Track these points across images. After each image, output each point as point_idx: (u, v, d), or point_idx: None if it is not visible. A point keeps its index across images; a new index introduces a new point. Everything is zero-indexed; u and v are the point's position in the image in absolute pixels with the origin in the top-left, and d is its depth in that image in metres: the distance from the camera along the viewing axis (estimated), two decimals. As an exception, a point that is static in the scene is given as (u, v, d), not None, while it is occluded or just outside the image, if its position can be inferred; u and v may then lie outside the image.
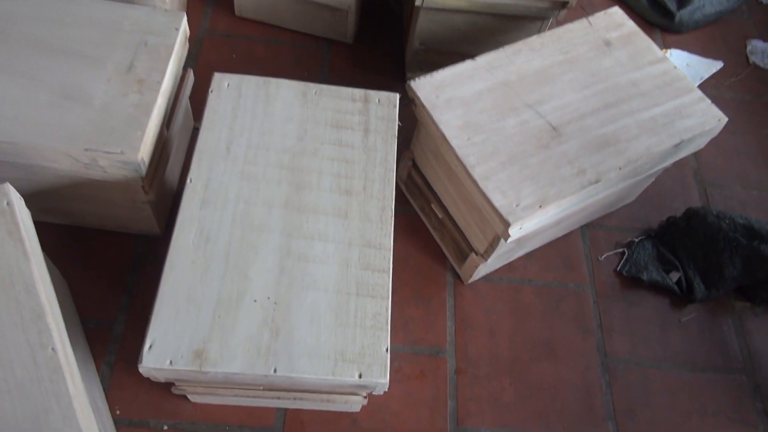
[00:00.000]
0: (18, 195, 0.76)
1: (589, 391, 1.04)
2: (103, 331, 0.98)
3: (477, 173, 0.90)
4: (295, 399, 0.85)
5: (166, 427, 0.92)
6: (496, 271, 1.14)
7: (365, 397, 0.84)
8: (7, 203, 0.74)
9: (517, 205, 0.88)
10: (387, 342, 0.75)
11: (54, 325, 0.70)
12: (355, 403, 0.90)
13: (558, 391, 1.03)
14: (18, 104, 0.83)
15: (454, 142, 0.92)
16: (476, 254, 1.03)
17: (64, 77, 0.86)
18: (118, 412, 0.92)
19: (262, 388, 0.79)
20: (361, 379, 0.72)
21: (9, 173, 0.87)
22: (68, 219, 1.03)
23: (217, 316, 0.73)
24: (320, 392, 0.82)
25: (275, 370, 0.71)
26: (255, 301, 0.75)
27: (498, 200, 0.88)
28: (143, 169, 0.86)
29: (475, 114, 0.95)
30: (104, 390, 0.94)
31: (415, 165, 1.13)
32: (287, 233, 0.81)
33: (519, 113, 0.97)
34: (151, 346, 0.71)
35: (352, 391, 0.76)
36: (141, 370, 0.70)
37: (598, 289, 1.15)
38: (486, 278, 1.13)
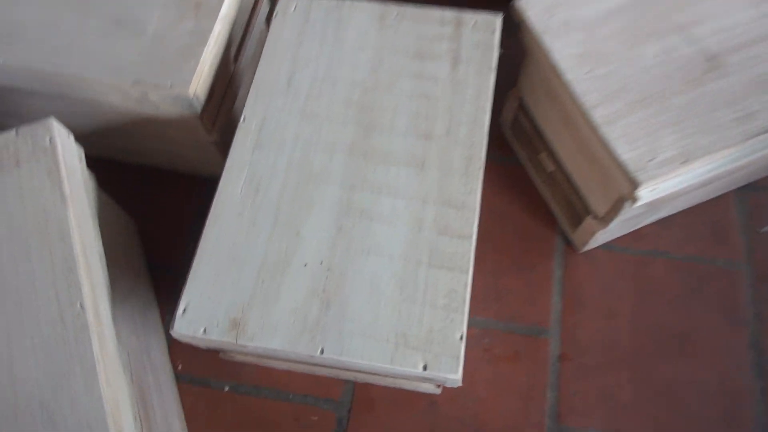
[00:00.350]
0: (65, 131, 0.69)
1: (734, 400, 0.82)
2: (170, 279, 0.92)
3: (598, 116, 0.69)
4: (359, 372, 0.73)
5: (227, 388, 0.85)
6: (620, 238, 0.92)
7: (438, 386, 0.70)
8: (50, 140, 0.67)
9: (650, 160, 0.66)
10: (463, 327, 0.60)
11: (86, 279, 0.62)
12: (429, 387, 0.76)
13: (691, 396, 0.82)
14: (67, 33, 0.75)
15: (568, 76, 0.71)
16: (594, 218, 0.83)
17: (117, 1, 0.77)
18: (179, 367, 0.87)
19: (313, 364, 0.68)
20: (426, 372, 0.58)
21: (67, 108, 0.81)
22: (138, 158, 0.97)
23: (260, 280, 0.62)
24: (381, 375, 0.70)
25: (322, 351, 0.59)
26: (305, 265, 0.63)
27: (625, 152, 0.67)
28: (198, 106, 0.76)
29: (600, 40, 0.74)
30: (167, 342, 0.88)
31: (522, 106, 0.93)
32: (349, 185, 0.67)
33: (661, 38, 0.73)
34: (185, 310, 0.62)
35: (417, 380, 0.62)
36: (174, 335, 0.61)
37: (756, 270, 0.89)
38: (606, 246, 0.92)
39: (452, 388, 0.84)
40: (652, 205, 0.79)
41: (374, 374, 0.69)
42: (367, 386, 0.84)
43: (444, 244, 0.63)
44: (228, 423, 0.83)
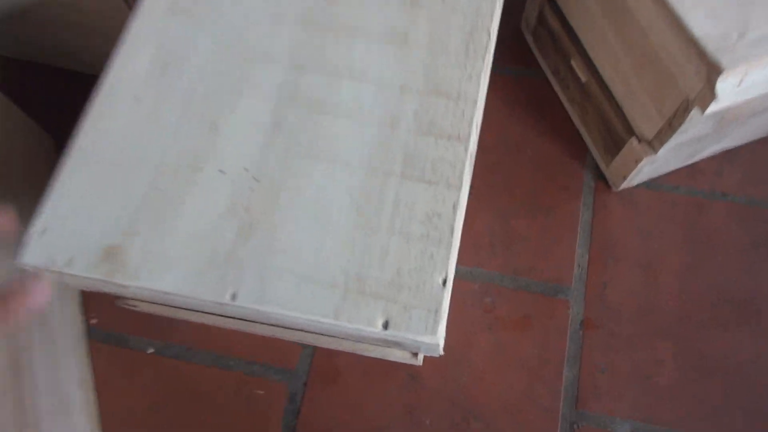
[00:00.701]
0: None
1: (813, 386, 0.62)
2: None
3: (663, -25, 0.47)
4: (303, 333, 0.53)
5: (151, 350, 0.66)
6: (669, 175, 0.71)
7: (415, 355, 0.50)
8: None
9: (740, 38, 0.45)
10: (448, 268, 0.40)
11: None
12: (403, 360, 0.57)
13: (752, 377, 0.62)
14: None
15: None
16: (639, 141, 0.62)
17: None
18: (94, 321, 0.68)
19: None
20: (388, 331, 0.38)
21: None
22: (52, 56, 0.76)
23: (153, 192, 0.42)
24: (327, 335, 0.50)
25: (234, 296, 0.39)
26: (221, 172, 0.43)
27: (702, 27, 0.46)
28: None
29: None
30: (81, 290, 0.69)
31: (553, 2, 0.71)
32: (297, 65, 0.46)
33: None
34: (43, 231, 0.42)
35: (380, 343, 0.42)
36: (21, 265, 0.42)
37: None
38: (649, 184, 0.71)
39: (439, 359, 0.64)
40: (724, 120, 0.58)
41: (320, 335, 0.49)
42: (330, 354, 0.65)
43: (427, 148, 0.43)
44: (148, 393, 0.64)
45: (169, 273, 0.40)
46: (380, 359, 0.64)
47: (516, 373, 0.64)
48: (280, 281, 0.39)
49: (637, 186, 0.71)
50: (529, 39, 0.78)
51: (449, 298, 0.39)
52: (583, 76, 0.67)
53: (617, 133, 0.66)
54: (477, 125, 0.44)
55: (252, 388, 0.64)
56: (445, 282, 0.39)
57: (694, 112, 0.52)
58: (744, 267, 0.67)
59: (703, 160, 0.71)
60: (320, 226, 0.41)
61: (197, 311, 0.48)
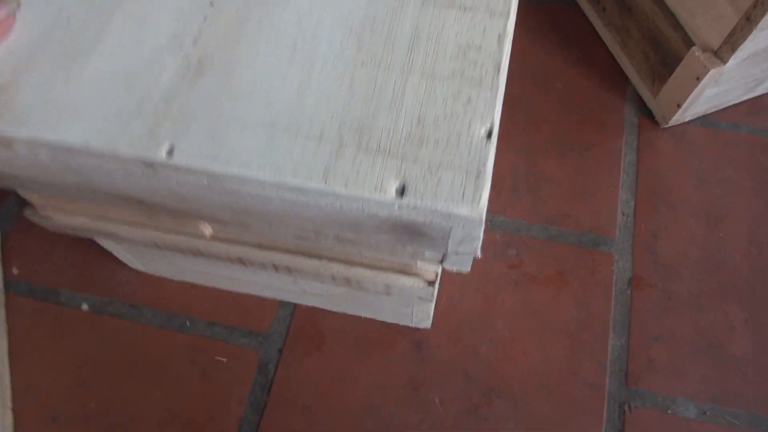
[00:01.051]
0: None
1: None
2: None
3: None
4: (291, 273, 0.39)
5: (85, 306, 0.52)
6: (727, 110, 0.59)
7: (430, 283, 0.36)
8: None
9: None
10: (493, 116, 0.27)
11: None
12: (412, 297, 0.43)
13: None
14: None
15: None
16: (704, 50, 0.50)
17: None
18: (15, 272, 0.54)
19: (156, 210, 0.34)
20: (404, 199, 0.25)
21: None
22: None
23: (62, 13, 0.30)
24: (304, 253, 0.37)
25: (170, 153, 0.26)
26: None
27: None
28: None
29: None
30: (2, 233, 0.55)
31: None
32: None
33: None
34: None
35: (388, 240, 0.29)
36: None
37: None
38: (704, 121, 0.59)
39: (452, 323, 0.51)
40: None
41: (296, 239, 0.36)
42: (314, 314, 0.51)
43: None
44: (78, 360, 0.50)
45: (76, 122, 0.26)
46: (369, 321, 0.50)
47: (551, 340, 0.50)
48: (243, 132, 0.26)
49: (690, 122, 0.59)
50: (556, -40, 0.67)
51: (493, 160, 0.26)
52: (627, -16, 0.56)
53: (671, 51, 0.54)
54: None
55: (212, 354, 0.50)
56: (489, 134, 0.26)
57: (791, -17, 0.40)
58: (826, 217, 0.54)
59: (766, 95, 0.60)
60: (302, 61, 0.28)
61: (126, 208, 0.34)
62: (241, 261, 0.38)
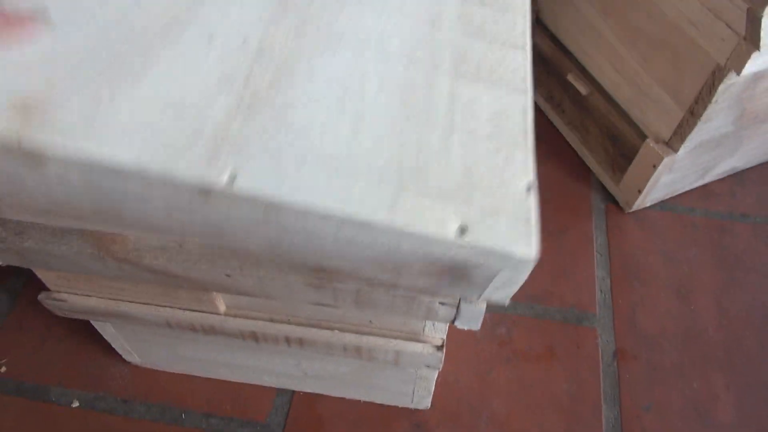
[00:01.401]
0: None
1: None
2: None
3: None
4: (296, 343, 0.40)
5: (76, 404, 0.51)
6: (681, 197, 0.66)
7: (438, 348, 0.38)
8: None
9: (776, -29, 0.42)
10: (530, 172, 0.30)
11: None
12: (420, 365, 0.44)
13: (829, 410, 0.52)
14: None
15: None
16: (657, 141, 0.57)
17: None
18: (2, 369, 0.52)
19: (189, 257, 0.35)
20: (466, 238, 0.27)
21: None
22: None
23: (106, 48, 0.32)
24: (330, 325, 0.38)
25: (233, 179, 0.27)
26: (212, 38, 0.33)
27: (733, -38, 0.42)
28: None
29: None
30: (-9, 330, 0.55)
31: (540, 22, 0.69)
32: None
33: None
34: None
35: (427, 289, 0.31)
36: None
37: None
38: (663, 206, 0.65)
39: (450, 405, 0.51)
40: (744, 117, 0.54)
41: (317, 326, 0.37)
42: (312, 400, 0.51)
43: (480, 50, 0.35)
44: (68, 458, 0.48)
45: (123, 141, 0.27)
46: (368, 404, 0.51)
47: (547, 415, 0.51)
48: (302, 168, 0.27)
49: (651, 207, 0.64)
50: (517, 72, 0.75)
51: (537, 211, 0.29)
52: (583, 88, 0.64)
53: (627, 143, 0.61)
54: (530, 39, 0.37)
55: (209, 445, 0.49)
56: (529, 189, 0.29)
57: (727, 83, 0.47)
58: (783, 288, 0.59)
59: (714, 182, 0.66)
60: (352, 110, 0.30)
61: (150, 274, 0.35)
62: (254, 336, 0.39)
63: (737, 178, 0.67)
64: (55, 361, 0.53)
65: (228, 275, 0.32)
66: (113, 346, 0.49)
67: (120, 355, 0.51)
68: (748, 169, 0.68)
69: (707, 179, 0.66)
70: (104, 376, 0.52)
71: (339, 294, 0.33)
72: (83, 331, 0.54)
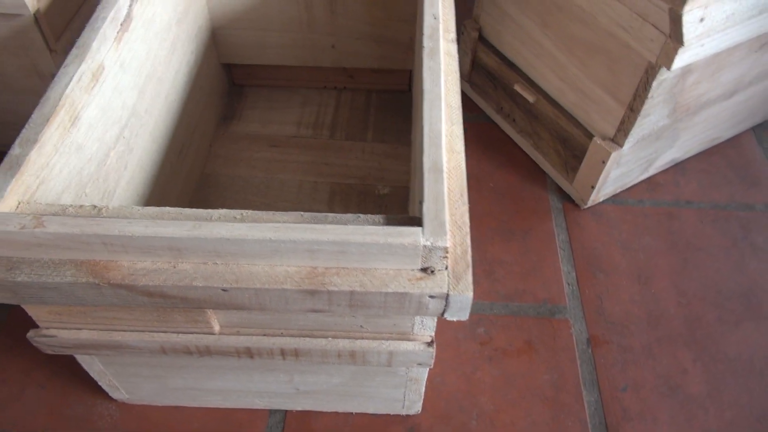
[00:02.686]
0: None
1: None
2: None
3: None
4: (287, 358, 0.41)
5: (64, 448, 0.50)
6: (629, 190, 0.70)
7: (429, 344, 0.40)
8: None
9: (691, -24, 0.47)
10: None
11: None
12: (413, 364, 0.46)
13: (786, 371, 0.56)
14: None
15: None
16: (603, 138, 0.61)
17: None
18: (-18, 423, 0.51)
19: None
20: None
21: None
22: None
23: None
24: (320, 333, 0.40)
25: None
26: None
27: (654, -29, 0.47)
28: (23, -26, 0.50)
29: None
30: (-34, 384, 0.53)
31: (482, 38, 0.74)
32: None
33: None
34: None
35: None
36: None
37: (807, 211, 0.69)
38: (615, 200, 0.69)
39: (441, 406, 0.53)
40: (678, 109, 0.59)
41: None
42: (305, 418, 0.52)
43: None
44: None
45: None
46: (361, 414, 0.52)
47: (533, 406, 0.53)
48: None
49: (604, 202, 0.69)
50: (466, 88, 0.79)
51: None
52: (530, 96, 0.68)
53: (576, 144, 0.65)
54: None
55: (207, 474, 0.48)
56: None
57: (659, 79, 0.52)
58: (731, 264, 0.64)
59: (658, 175, 0.71)
60: None
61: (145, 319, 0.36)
62: (249, 352, 0.40)
63: (678, 168, 0.72)
64: (38, 408, 0.52)
65: (224, 290, 0.33)
66: (100, 383, 0.49)
67: (106, 393, 0.51)
68: (687, 159, 0.73)
69: (651, 172, 0.70)
70: (91, 417, 0.51)
71: (333, 298, 0.35)
72: (65, 372, 0.53)
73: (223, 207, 0.63)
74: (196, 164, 0.65)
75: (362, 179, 0.67)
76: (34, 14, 0.54)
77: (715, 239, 0.66)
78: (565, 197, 0.69)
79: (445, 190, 0.34)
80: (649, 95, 0.54)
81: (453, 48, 0.47)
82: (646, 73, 0.54)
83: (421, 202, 0.35)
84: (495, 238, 0.65)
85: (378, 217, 0.34)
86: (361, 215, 0.34)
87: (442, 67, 0.40)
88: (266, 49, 0.71)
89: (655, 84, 0.53)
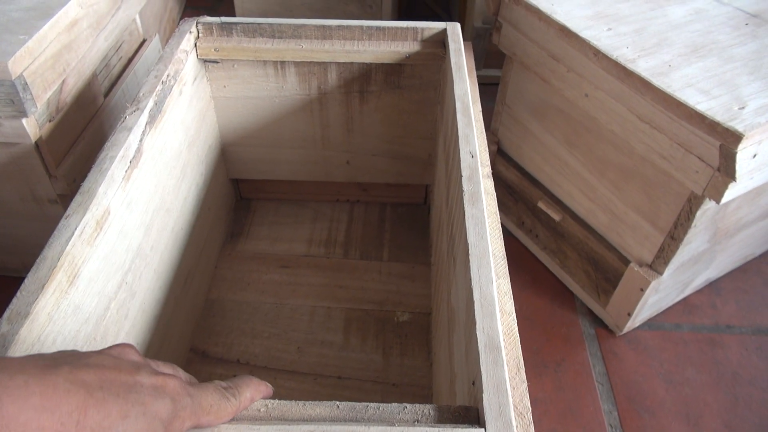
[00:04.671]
0: None
1: None
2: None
3: (643, 69, 0.48)
4: None
5: None
6: (665, 314, 0.66)
7: None
8: None
9: (741, 108, 0.44)
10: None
11: None
12: None
13: None
14: None
15: (586, 33, 0.51)
16: (640, 265, 0.57)
17: None
18: None
19: None
20: None
21: None
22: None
23: None
24: None
25: None
26: None
27: (702, 102, 0.45)
28: (30, 106, 0.47)
29: (611, 4, 0.56)
30: None
31: (501, 151, 0.71)
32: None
33: (686, 2, 0.57)
34: None
35: None
36: None
37: None
38: (651, 325, 0.64)
39: None
40: (718, 234, 0.56)
41: None
42: None
43: None
44: None
45: None
46: None
47: None
48: None
49: (640, 327, 0.64)
50: (484, 200, 0.76)
51: None
52: (555, 215, 0.64)
53: (609, 267, 0.61)
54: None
55: None
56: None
57: (703, 208, 0.49)
58: (785, 400, 0.58)
59: (692, 295, 0.67)
60: None
61: None
62: None
63: (713, 288, 0.68)
64: None
65: None
66: None
67: None
68: (721, 277, 0.69)
69: (686, 293, 0.66)
70: None
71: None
72: None
73: (229, 338, 0.58)
74: (201, 290, 0.60)
75: (380, 304, 0.62)
76: (36, 142, 0.50)
77: (763, 370, 0.61)
78: (597, 321, 0.64)
79: (506, 375, 0.29)
80: (693, 224, 0.51)
81: (490, 185, 0.43)
82: (689, 202, 0.50)
83: (474, 383, 0.30)
84: (528, 371, 0.60)
85: (427, 408, 0.29)
86: (407, 406, 0.29)
87: (486, 215, 0.36)
88: (277, 164, 0.67)
89: (698, 213, 0.50)
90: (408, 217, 0.72)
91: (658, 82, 0.46)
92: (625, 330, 0.62)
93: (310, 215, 0.72)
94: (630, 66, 0.48)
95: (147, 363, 0.26)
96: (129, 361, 0.25)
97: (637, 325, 0.63)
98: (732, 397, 0.58)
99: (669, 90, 0.45)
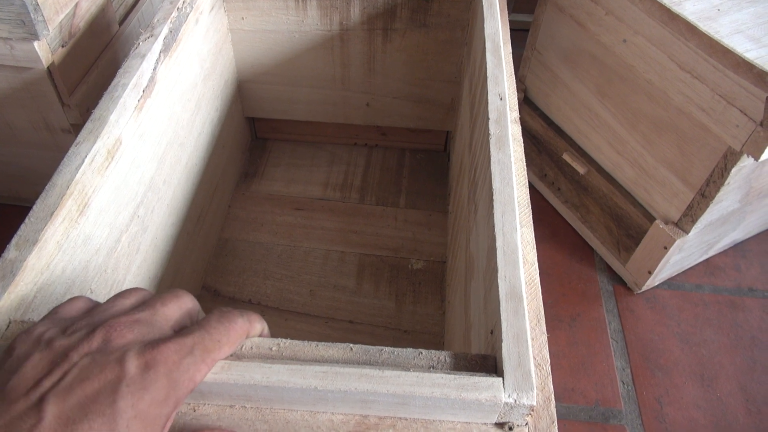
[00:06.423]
0: None
1: None
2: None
3: (690, 13, 0.44)
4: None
5: None
6: (686, 273, 0.64)
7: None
8: None
9: (793, 59, 0.41)
10: None
11: None
12: None
13: None
14: None
15: (629, -28, 0.48)
16: (666, 222, 0.55)
17: None
18: None
19: None
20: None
21: None
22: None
23: None
24: None
25: None
26: None
27: (749, 50, 0.42)
28: (44, 34, 0.45)
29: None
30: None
31: (528, 99, 0.68)
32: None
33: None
34: None
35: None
36: None
37: None
38: (671, 284, 0.63)
39: None
40: (751, 193, 0.53)
41: None
42: None
43: None
44: None
45: None
46: None
47: None
48: None
49: (659, 286, 0.62)
50: (506, 150, 0.74)
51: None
52: (581, 168, 0.62)
53: (632, 223, 0.59)
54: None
55: None
56: None
57: (739, 166, 0.46)
58: (804, 366, 0.57)
59: (716, 256, 0.65)
60: None
61: None
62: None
63: (738, 250, 0.66)
64: None
65: None
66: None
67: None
68: (747, 239, 0.67)
69: (710, 254, 0.64)
70: None
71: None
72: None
73: (241, 278, 0.58)
74: (214, 228, 0.60)
75: (394, 251, 0.61)
76: (48, 68, 0.49)
77: (784, 335, 0.59)
78: (616, 278, 0.63)
79: (527, 326, 0.28)
80: (726, 182, 0.49)
81: (518, 130, 0.41)
82: (725, 158, 0.48)
83: (492, 332, 0.29)
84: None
85: (443, 355, 0.28)
86: (423, 351, 0.28)
87: (513, 160, 0.35)
88: (295, 104, 0.65)
89: (734, 171, 0.48)
90: (427, 163, 0.70)
91: (704, 26, 0.43)
92: (644, 288, 0.61)
93: (326, 158, 0.70)
94: (675, 8, 0.44)
95: (139, 320, 0.23)
96: (114, 348, 0.22)
97: (656, 284, 0.62)
98: (749, 360, 0.57)
99: (716, 36, 0.42)
